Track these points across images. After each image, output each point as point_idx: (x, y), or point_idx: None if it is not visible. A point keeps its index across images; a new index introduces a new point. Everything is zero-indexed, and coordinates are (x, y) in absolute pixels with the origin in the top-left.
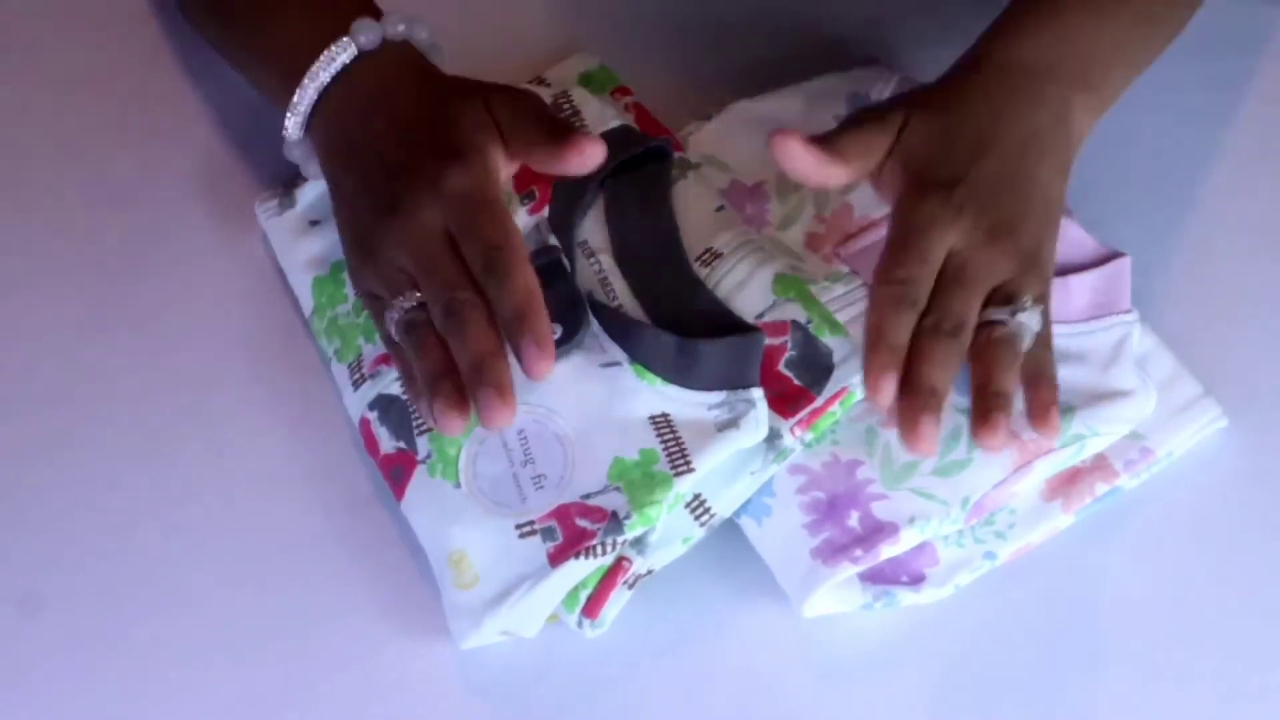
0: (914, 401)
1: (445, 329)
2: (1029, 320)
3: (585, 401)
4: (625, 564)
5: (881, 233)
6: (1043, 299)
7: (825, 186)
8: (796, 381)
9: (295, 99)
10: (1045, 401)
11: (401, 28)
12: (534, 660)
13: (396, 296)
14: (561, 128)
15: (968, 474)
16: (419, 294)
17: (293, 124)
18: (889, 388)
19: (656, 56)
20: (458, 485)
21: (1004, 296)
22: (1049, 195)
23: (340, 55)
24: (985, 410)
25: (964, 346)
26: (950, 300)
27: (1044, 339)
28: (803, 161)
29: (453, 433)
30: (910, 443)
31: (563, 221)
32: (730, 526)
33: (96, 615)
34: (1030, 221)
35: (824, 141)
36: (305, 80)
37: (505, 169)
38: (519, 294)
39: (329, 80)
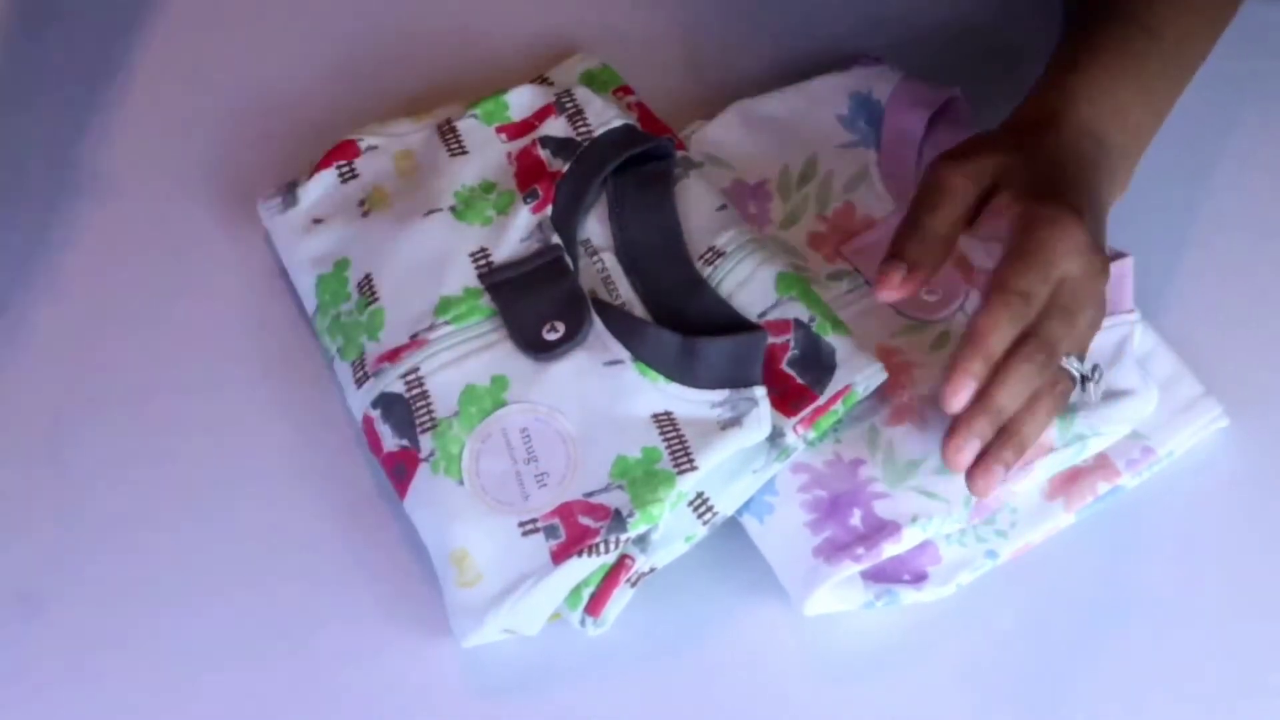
0: (976, 418)
1: None
2: (1087, 388)
3: (588, 399)
4: (628, 562)
5: (883, 232)
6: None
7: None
8: (799, 380)
9: None
10: (994, 457)
11: None
12: (536, 658)
13: None
14: None
15: None
16: None
17: None
18: (965, 394)
19: (659, 56)
20: (460, 483)
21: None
22: (1101, 259)
23: None
24: (998, 447)
25: (1045, 376)
26: (1056, 326)
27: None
28: (907, 292)
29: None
30: (949, 458)
31: (566, 220)
32: (732, 525)
33: (96, 615)
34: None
35: (908, 257)
36: None
37: None
38: None
39: None
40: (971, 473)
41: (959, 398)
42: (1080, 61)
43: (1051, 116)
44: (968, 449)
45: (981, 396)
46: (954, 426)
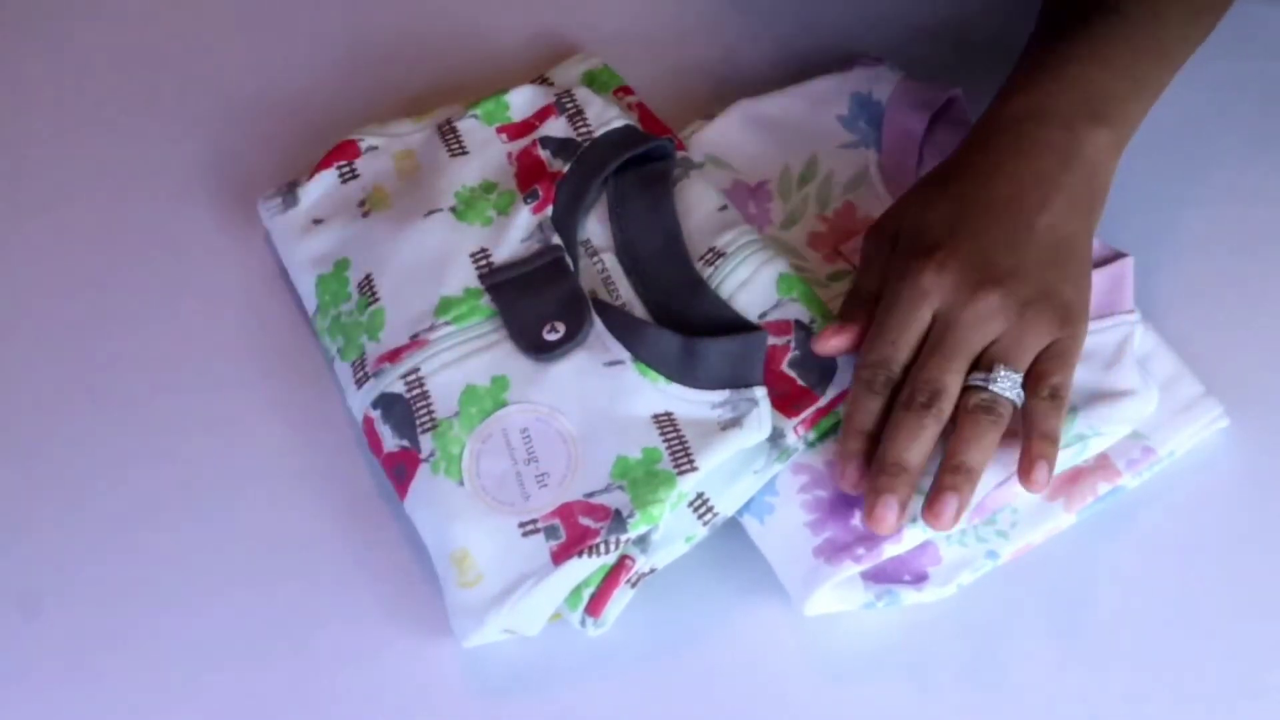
0: (876, 480)
1: None
2: (1001, 389)
3: (588, 400)
4: (628, 562)
5: None
6: (1063, 350)
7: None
8: (800, 382)
9: None
10: (1034, 455)
11: None
12: (536, 659)
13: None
14: None
15: None
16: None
17: None
18: (853, 474)
19: (659, 56)
20: (461, 484)
21: (988, 360)
22: (1058, 237)
23: None
24: (937, 488)
25: (940, 416)
26: (922, 370)
27: (1056, 389)
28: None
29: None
30: (867, 522)
31: (566, 221)
32: (733, 525)
33: (96, 615)
34: (1028, 270)
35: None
36: None
37: None
38: None
39: None
40: (926, 515)
41: (845, 479)
42: (1058, 51)
43: (980, 119)
44: (881, 510)
45: (877, 458)
46: (865, 501)
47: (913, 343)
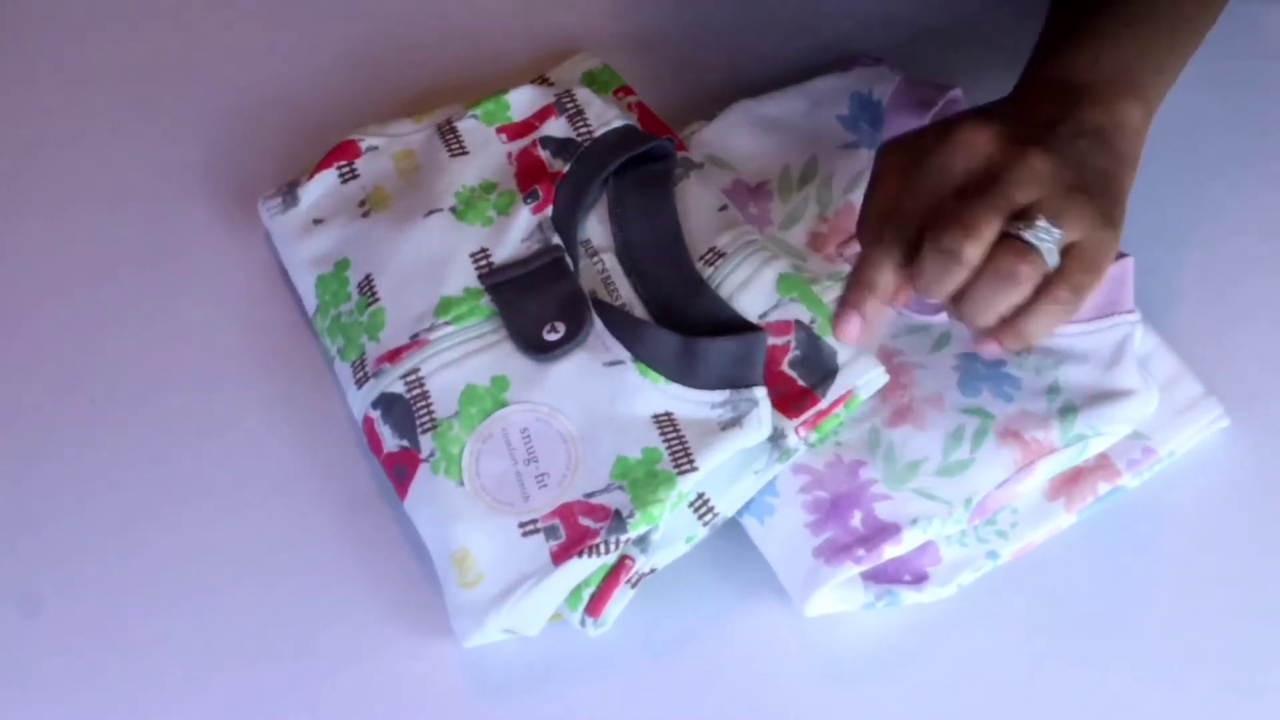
0: (845, 290)
1: None
2: (1039, 239)
3: (588, 400)
4: (628, 562)
5: None
6: (1093, 251)
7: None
8: (800, 383)
9: None
10: (1019, 326)
11: None
12: (537, 659)
13: None
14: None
15: (970, 474)
16: None
17: None
18: (847, 327)
19: (659, 56)
20: (461, 484)
21: (1031, 212)
22: (1106, 171)
23: None
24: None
25: (963, 264)
26: (957, 213)
27: (1078, 287)
28: (872, 322)
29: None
30: (838, 335)
31: (566, 220)
32: (733, 525)
33: (96, 615)
34: (1078, 163)
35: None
36: None
37: None
38: None
39: None
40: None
41: (838, 330)
42: (1084, 24)
43: (1017, 85)
44: (842, 319)
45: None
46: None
47: (940, 195)
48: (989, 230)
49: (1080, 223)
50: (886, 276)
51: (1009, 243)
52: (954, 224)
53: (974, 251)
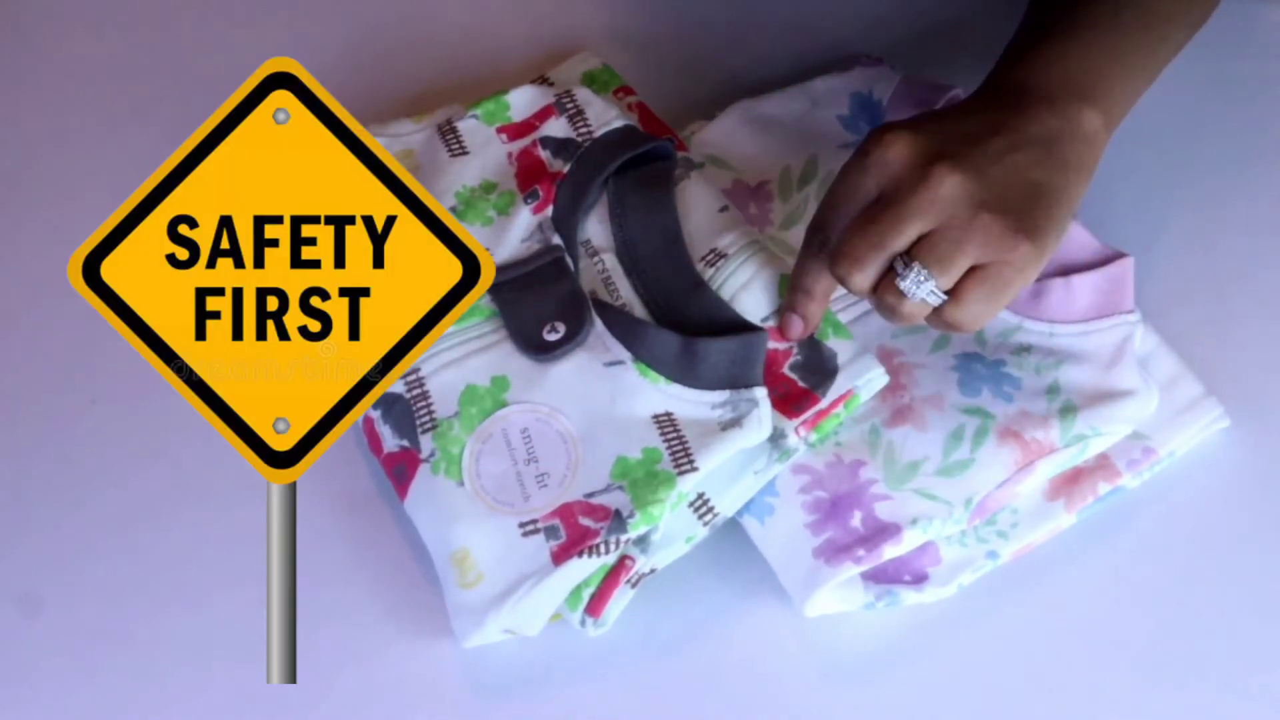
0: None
1: None
2: (908, 286)
3: (588, 400)
4: (628, 563)
5: None
6: (998, 276)
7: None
8: (801, 383)
9: None
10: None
11: None
12: (537, 659)
13: None
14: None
15: (971, 474)
16: None
17: None
18: (789, 326)
19: (659, 56)
20: (461, 484)
21: (915, 252)
22: (1038, 178)
23: None
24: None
25: (854, 290)
26: (842, 242)
27: (957, 324)
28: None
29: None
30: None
31: (566, 221)
32: (733, 526)
33: (96, 615)
34: (999, 173)
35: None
36: None
37: None
38: None
39: None
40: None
41: (782, 330)
42: (1042, 28)
43: (976, 92)
44: (785, 322)
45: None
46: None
47: (854, 211)
48: (872, 265)
49: (983, 247)
50: (820, 283)
51: (891, 280)
52: (843, 254)
53: (859, 282)
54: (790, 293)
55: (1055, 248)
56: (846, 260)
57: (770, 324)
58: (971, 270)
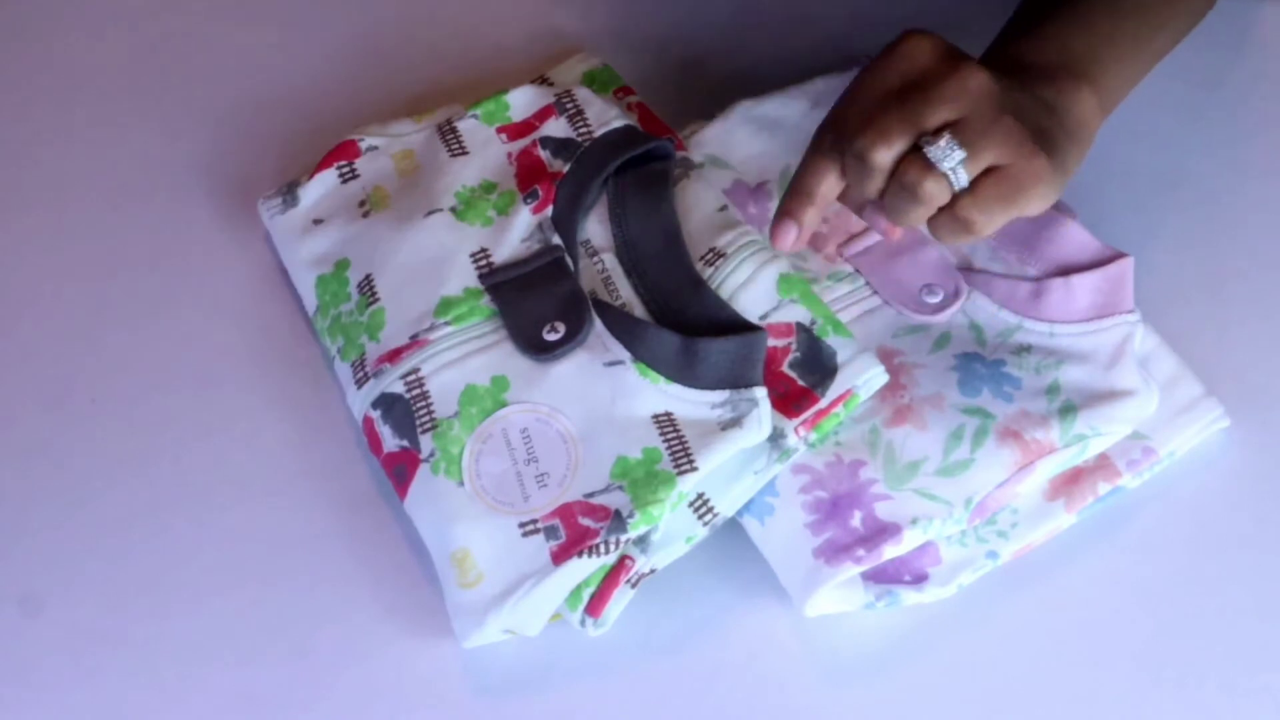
0: (783, 203)
1: None
2: (938, 157)
3: (588, 400)
4: (628, 563)
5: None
6: (1015, 177)
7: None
8: (800, 382)
9: None
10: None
11: None
12: (537, 659)
13: None
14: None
15: (971, 474)
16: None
17: None
18: (781, 232)
19: (659, 56)
20: (461, 484)
21: (942, 130)
22: (1049, 129)
23: None
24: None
25: (873, 168)
26: (870, 124)
27: (971, 224)
28: (806, 230)
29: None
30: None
31: (566, 220)
32: (733, 526)
33: (96, 615)
34: (1018, 111)
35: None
36: None
37: None
38: None
39: None
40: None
41: (773, 236)
42: (1037, 11)
43: (1016, 65)
44: (777, 229)
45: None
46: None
47: (870, 103)
48: (899, 139)
49: (1004, 147)
50: (824, 184)
51: (915, 155)
52: (869, 127)
53: (882, 156)
54: (789, 195)
55: (1064, 186)
56: (873, 131)
57: (769, 322)
58: (989, 170)
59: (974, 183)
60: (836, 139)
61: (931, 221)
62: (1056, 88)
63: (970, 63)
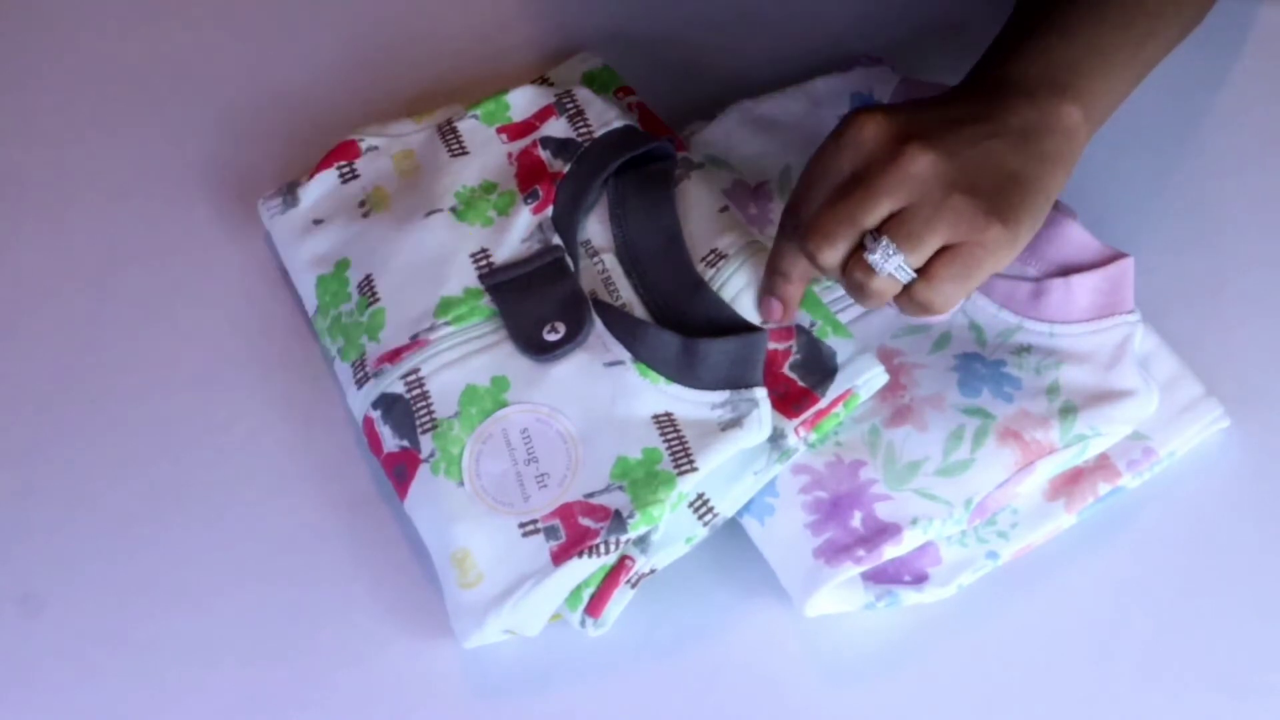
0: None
1: None
2: (876, 260)
3: (589, 400)
4: (628, 563)
5: None
6: (969, 256)
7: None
8: (800, 384)
9: None
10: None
11: None
12: (537, 659)
13: None
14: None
15: (971, 475)
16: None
17: None
18: (766, 309)
19: (659, 56)
20: (461, 484)
21: (885, 228)
22: (1015, 167)
23: None
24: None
25: (823, 268)
26: (815, 217)
27: (927, 303)
28: (791, 306)
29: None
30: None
31: (566, 221)
32: (733, 526)
33: (97, 615)
34: (975, 156)
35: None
36: None
37: None
38: None
39: None
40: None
41: (760, 313)
42: (1023, 24)
43: (994, 86)
44: (763, 305)
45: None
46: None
47: (827, 191)
48: (842, 241)
49: (954, 227)
50: (796, 267)
51: (860, 256)
52: (814, 230)
53: (828, 258)
54: (767, 275)
55: (1029, 236)
56: (816, 235)
57: (769, 324)
58: (942, 250)
59: (928, 264)
60: (796, 225)
61: (895, 300)
62: (1037, 105)
63: (915, 144)
